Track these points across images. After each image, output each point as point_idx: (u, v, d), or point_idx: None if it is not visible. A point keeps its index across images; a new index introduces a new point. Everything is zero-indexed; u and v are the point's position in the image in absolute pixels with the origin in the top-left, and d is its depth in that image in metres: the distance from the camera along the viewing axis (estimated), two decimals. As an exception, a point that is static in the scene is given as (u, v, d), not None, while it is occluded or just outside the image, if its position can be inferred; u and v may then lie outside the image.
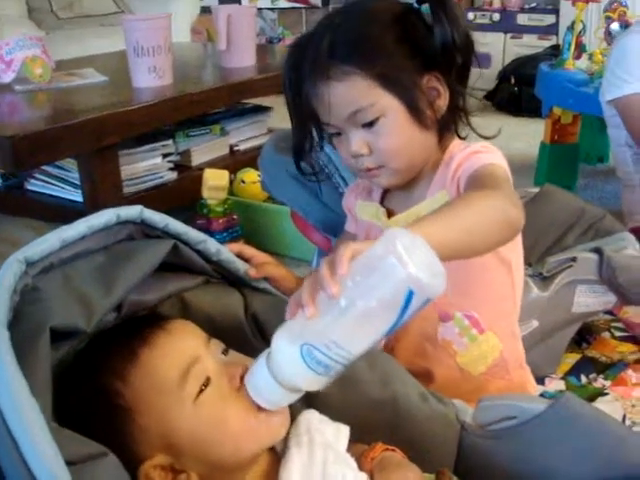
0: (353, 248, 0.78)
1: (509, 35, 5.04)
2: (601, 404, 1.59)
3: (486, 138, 1.24)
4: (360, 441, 0.96)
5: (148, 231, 0.97)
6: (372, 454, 0.92)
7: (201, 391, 0.85)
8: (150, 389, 0.85)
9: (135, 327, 0.91)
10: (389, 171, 1.21)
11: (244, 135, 3.00)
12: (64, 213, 2.32)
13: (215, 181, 2.33)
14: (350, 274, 0.76)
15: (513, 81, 4.54)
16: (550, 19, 4.89)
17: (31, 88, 2.43)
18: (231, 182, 2.53)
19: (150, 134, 2.52)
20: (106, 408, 0.85)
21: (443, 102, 1.19)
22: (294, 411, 0.92)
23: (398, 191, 1.29)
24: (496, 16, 5.07)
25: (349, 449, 0.93)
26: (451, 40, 1.14)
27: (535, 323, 1.59)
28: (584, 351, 1.83)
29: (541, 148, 3.12)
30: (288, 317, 0.82)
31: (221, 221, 2.38)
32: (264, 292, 1.10)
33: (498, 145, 1.18)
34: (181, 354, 0.87)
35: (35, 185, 2.52)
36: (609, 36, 2.88)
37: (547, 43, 4.82)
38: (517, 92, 4.46)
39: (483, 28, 5.01)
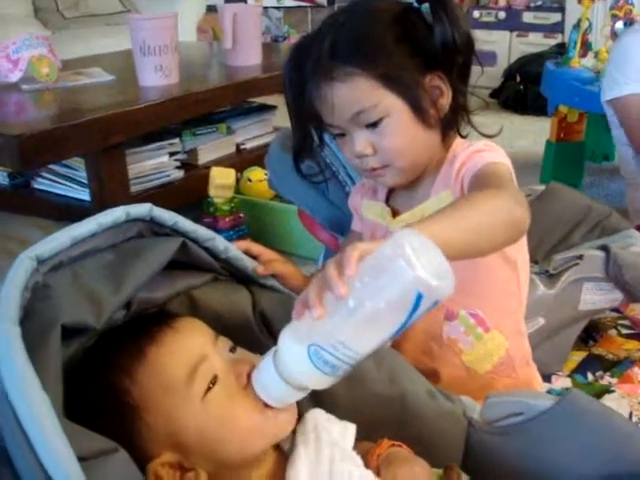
0: (361, 249, 0.78)
1: (515, 33, 5.05)
2: (608, 401, 1.59)
3: (488, 136, 1.24)
4: (368, 439, 0.96)
5: (157, 229, 0.97)
6: (378, 450, 0.93)
7: (209, 389, 0.85)
8: (157, 387, 0.85)
9: (143, 325, 0.91)
10: (394, 170, 1.21)
11: (250, 133, 3.01)
12: (71, 212, 2.33)
13: (222, 179, 2.34)
14: (358, 275, 0.75)
15: (519, 79, 4.54)
16: (556, 17, 4.89)
17: (38, 87, 2.44)
18: (237, 180, 2.54)
19: (157, 133, 2.52)
20: (114, 405, 0.85)
21: (446, 101, 1.19)
22: (301, 409, 0.93)
23: (402, 190, 1.29)
24: (502, 14, 5.07)
25: (355, 447, 0.93)
26: (451, 40, 1.14)
27: (541, 321, 1.59)
28: (590, 349, 1.83)
29: (547, 146, 3.11)
30: (295, 317, 0.81)
31: (228, 219, 2.39)
32: (272, 289, 1.10)
33: (503, 143, 1.19)
34: (189, 352, 0.87)
35: (42, 184, 2.52)
36: (615, 34, 2.88)
37: (553, 41, 4.82)
38: (523, 90, 4.47)
39: (489, 26, 5.01)
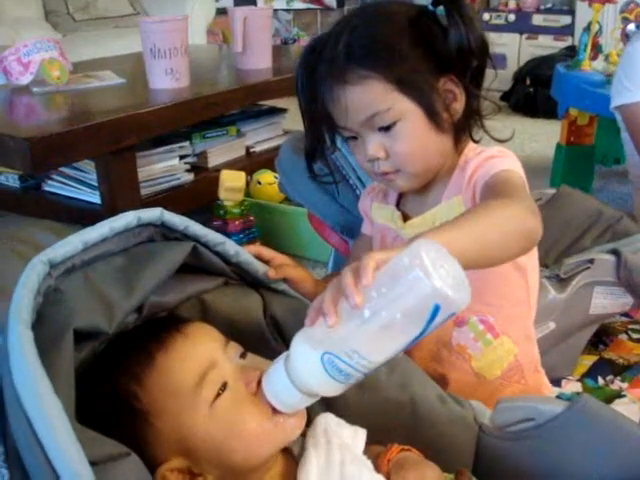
0: (377, 258, 0.77)
1: (525, 36, 5.04)
2: (618, 406, 1.58)
3: (500, 141, 1.24)
4: (378, 443, 0.96)
5: (168, 233, 0.97)
6: (389, 456, 0.92)
7: (218, 395, 0.85)
8: (166, 393, 0.85)
9: (153, 330, 0.91)
10: (405, 175, 1.21)
11: (260, 136, 3.00)
12: (81, 214, 2.33)
13: (232, 182, 2.34)
14: (374, 284, 0.75)
15: (529, 82, 4.53)
16: (566, 20, 4.88)
17: (48, 90, 2.44)
18: (247, 183, 2.54)
19: (167, 136, 2.52)
20: (123, 410, 0.85)
21: (459, 105, 1.18)
22: (311, 413, 0.93)
23: (414, 195, 1.29)
24: (511, 17, 5.07)
25: (365, 451, 0.93)
26: (466, 43, 1.13)
27: (552, 325, 1.59)
28: (601, 353, 1.82)
29: (557, 149, 3.11)
30: (308, 323, 0.81)
31: (237, 222, 2.39)
32: (283, 294, 1.09)
33: (514, 146, 1.18)
34: (198, 358, 0.87)
35: (52, 186, 2.52)
36: (627, 36, 2.87)
37: (563, 44, 4.81)
38: (533, 93, 4.46)
39: (498, 29, 5.00)
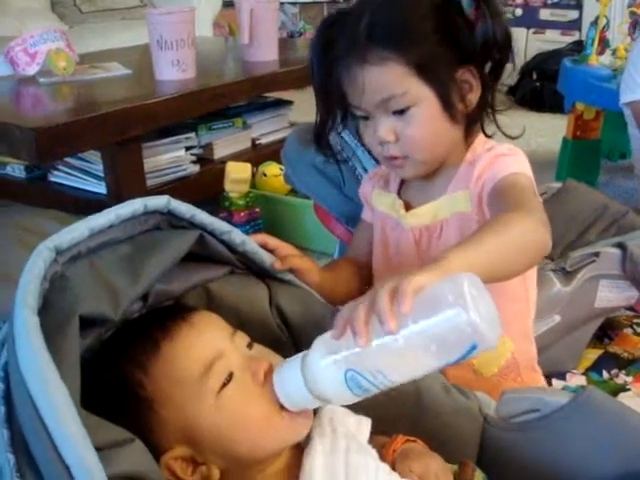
0: (417, 284, 0.75)
1: (531, 30, 5.01)
2: (623, 400, 1.56)
3: (511, 138, 1.23)
4: (383, 434, 0.96)
5: (174, 221, 0.97)
6: (394, 446, 0.93)
7: (224, 385, 0.85)
8: (171, 381, 0.85)
9: (158, 318, 0.91)
10: (413, 162, 1.20)
11: (266, 128, 3.00)
12: (87, 205, 2.33)
13: (237, 174, 2.34)
14: (411, 311, 0.74)
15: (535, 76, 4.51)
16: (573, 14, 4.86)
17: (55, 81, 2.44)
18: (253, 175, 2.54)
19: (173, 127, 2.52)
20: (128, 398, 0.85)
21: (474, 96, 1.18)
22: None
23: (416, 183, 1.29)
24: (518, 11, 5.04)
25: (370, 441, 0.93)
26: (492, 35, 1.13)
27: (557, 318, 1.59)
28: (606, 347, 1.82)
29: (563, 144, 3.10)
30: (336, 336, 0.79)
31: (243, 214, 2.39)
32: (289, 284, 1.09)
33: (520, 141, 1.18)
34: (204, 347, 0.87)
35: (58, 177, 2.53)
36: (633, 31, 2.86)
37: (570, 38, 4.78)
38: (539, 87, 4.44)
39: (505, 23, 4.98)
